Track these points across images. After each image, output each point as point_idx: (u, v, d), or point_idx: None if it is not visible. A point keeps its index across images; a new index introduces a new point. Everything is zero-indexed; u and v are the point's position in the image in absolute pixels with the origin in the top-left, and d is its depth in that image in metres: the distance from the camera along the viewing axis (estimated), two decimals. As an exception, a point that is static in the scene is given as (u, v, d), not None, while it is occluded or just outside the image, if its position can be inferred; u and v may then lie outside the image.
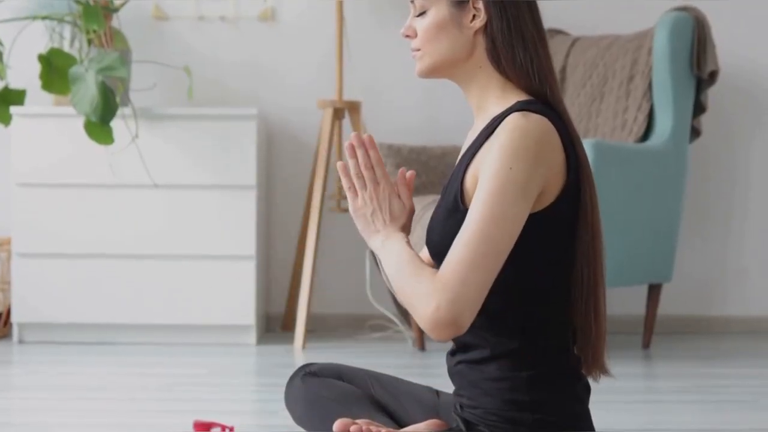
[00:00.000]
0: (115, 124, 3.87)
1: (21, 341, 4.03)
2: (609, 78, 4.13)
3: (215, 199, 4.00)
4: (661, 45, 3.98)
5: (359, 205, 1.89)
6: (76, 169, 3.99)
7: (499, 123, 1.80)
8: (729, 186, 4.47)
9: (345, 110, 4.20)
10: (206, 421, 2.53)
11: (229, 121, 4.01)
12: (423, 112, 4.46)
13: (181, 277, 3.99)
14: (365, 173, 1.89)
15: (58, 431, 2.64)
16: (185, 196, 4.00)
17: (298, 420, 2.11)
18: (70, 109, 3.94)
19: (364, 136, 1.90)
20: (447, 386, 2.11)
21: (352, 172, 1.90)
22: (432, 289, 1.73)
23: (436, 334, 1.73)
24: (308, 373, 2.11)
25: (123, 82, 3.93)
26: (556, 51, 4.23)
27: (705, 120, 4.24)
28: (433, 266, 1.82)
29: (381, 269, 1.92)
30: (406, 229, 1.88)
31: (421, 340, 3.93)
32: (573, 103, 4.15)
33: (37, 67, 4.00)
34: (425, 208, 3.59)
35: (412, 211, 1.90)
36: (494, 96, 1.88)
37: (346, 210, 4.25)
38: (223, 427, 2.51)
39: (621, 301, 4.25)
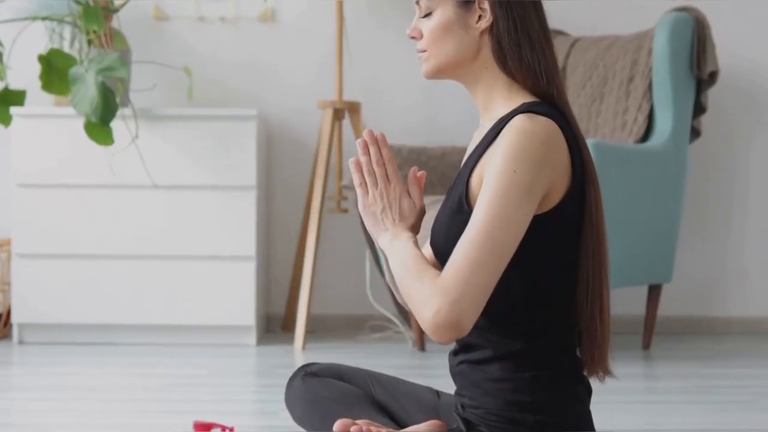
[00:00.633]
0: (115, 124, 3.87)
1: (21, 342, 4.03)
2: (609, 79, 4.13)
3: (215, 199, 4.00)
4: (661, 45, 3.98)
5: (369, 202, 1.89)
6: (76, 169, 3.99)
7: (505, 124, 1.80)
8: (729, 186, 4.47)
9: (345, 111, 4.20)
10: (206, 421, 2.53)
11: (229, 121, 4.01)
12: (423, 112, 4.46)
13: (181, 277, 3.99)
14: (377, 170, 1.89)
15: (58, 432, 2.65)
16: (185, 197, 4.00)
17: (299, 420, 2.11)
18: (70, 110, 3.94)
19: (377, 133, 1.89)
20: (447, 387, 2.11)
21: (364, 168, 1.89)
22: (434, 292, 1.73)
23: (437, 337, 1.73)
24: (308, 373, 2.11)
25: (123, 82, 3.93)
26: (556, 52, 4.23)
27: (705, 120, 4.24)
28: (437, 267, 1.82)
29: (385, 267, 1.92)
30: (414, 228, 1.88)
31: (421, 341, 3.93)
32: (573, 103, 4.15)
33: (37, 68, 4.00)
34: (426, 208, 3.58)
35: (422, 211, 1.89)
36: (500, 97, 1.88)
37: (346, 210, 4.25)
38: (223, 428, 2.51)
39: (621, 301, 4.25)
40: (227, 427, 2.51)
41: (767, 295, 4.47)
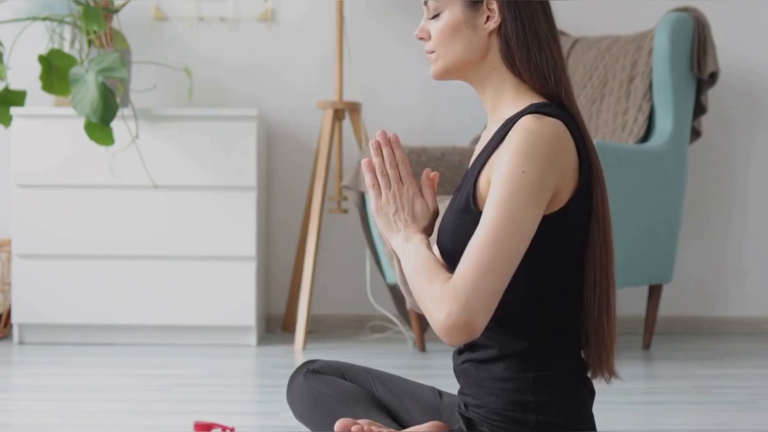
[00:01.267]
0: (116, 124, 3.87)
1: (21, 342, 4.03)
2: (609, 79, 4.13)
3: (215, 200, 4.00)
4: (661, 46, 3.98)
5: (382, 203, 1.88)
6: (76, 170, 3.99)
7: (513, 125, 1.80)
8: (729, 186, 4.47)
9: (345, 111, 4.21)
10: (207, 422, 2.53)
11: (230, 122, 4.01)
12: (423, 113, 4.46)
13: (182, 278, 3.99)
14: (390, 172, 1.88)
15: (59, 432, 2.65)
16: (185, 197, 4.00)
17: (300, 417, 2.11)
18: (71, 110, 3.94)
19: (390, 134, 1.89)
20: (447, 387, 2.11)
21: (377, 170, 1.88)
22: (445, 294, 1.72)
23: (449, 339, 1.73)
24: (311, 370, 2.10)
25: (123, 82, 3.93)
26: (557, 52, 4.23)
27: (705, 120, 4.24)
28: (447, 268, 1.82)
29: (397, 269, 1.92)
30: (427, 230, 1.87)
31: (422, 341, 3.93)
32: (573, 103, 4.15)
33: (37, 68, 4.00)
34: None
35: (435, 213, 1.89)
36: (509, 97, 1.88)
37: (346, 211, 4.25)
38: (224, 428, 2.51)
39: (621, 301, 4.22)
40: (227, 428, 2.51)
41: (767, 295, 4.47)
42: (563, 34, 4.33)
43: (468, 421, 1.87)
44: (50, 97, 4.25)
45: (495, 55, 1.87)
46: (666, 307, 4.29)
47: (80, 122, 3.88)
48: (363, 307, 4.35)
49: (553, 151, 1.77)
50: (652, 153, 3.90)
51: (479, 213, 1.79)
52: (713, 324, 4.45)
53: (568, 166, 1.79)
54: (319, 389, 2.05)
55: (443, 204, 1.99)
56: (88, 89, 3.75)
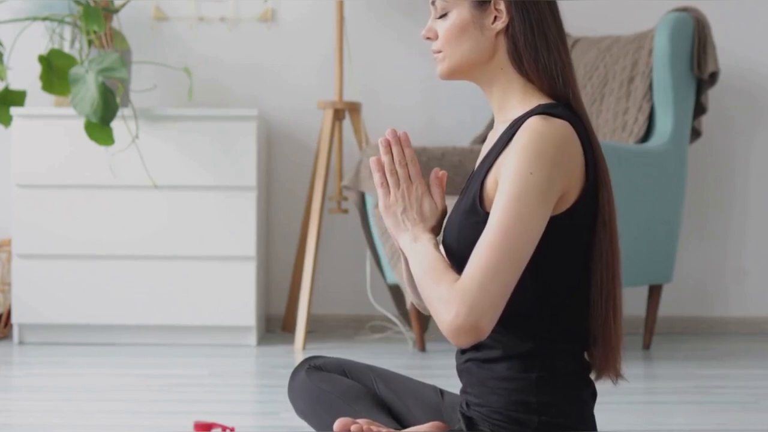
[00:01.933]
0: (116, 125, 3.87)
1: (21, 342, 4.03)
2: (609, 79, 4.13)
3: (215, 200, 4.00)
4: (661, 46, 3.98)
5: (390, 202, 1.88)
6: (76, 170, 3.99)
7: (520, 126, 1.79)
8: (729, 186, 4.47)
9: (345, 111, 4.21)
10: (207, 422, 2.53)
11: (230, 122, 4.01)
12: (423, 113, 4.46)
13: (182, 278, 3.99)
14: (399, 171, 1.88)
15: (59, 432, 2.65)
16: (185, 197, 4.00)
17: (301, 413, 2.10)
18: (71, 110, 3.94)
19: (400, 133, 1.89)
20: (448, 387, 2.11)
21: (386, 168, 1.88)
22: (452, 296, 1.72)
23: (456, 341, 1.73)
24: (312, 366, 2.10)
25: (123, 83, 3.93)
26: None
27: (705, 120, 4.24)
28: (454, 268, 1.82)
29: (404, 268, 1.92)
30: (436, 230, 1.87)
31: (422, 341, 3.93)
32: (573, 103, 4.15)
33: (37, 68, 4.00)
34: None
35: (444, 212, 1.89)
36: (516, 98, 1.87)
37: (346, 211, 4.25)
38: (224, 428, 2.51)
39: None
40: (228, 428, 2.51)
41: (767, 296, 4.47)
42: (563, 34, 4.33)
43: (469, 420, 1.86)
44: (50, 97, 4.25)
45: (502, 56, 1.87)
46: (666, 307, 4.29)
47: (80, 122, 3.88)
48: (363, 307, 4.35)
49: (561, 152, 1.77)
50: (652, 153, 3.90)
51: (485, 214, 1.78)
52: (713, 324, 4.45)
53: (575, 168, 1.79)
54: (320, 386, 2.05)
55: (450, 204, 1.99)
56: (88, 89, 3.75)
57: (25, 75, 4.18)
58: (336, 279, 4.45)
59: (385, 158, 1.88)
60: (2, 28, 4.14)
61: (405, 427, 2.02)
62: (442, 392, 2.07)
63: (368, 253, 4.12)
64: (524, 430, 1.81)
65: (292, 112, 4.45)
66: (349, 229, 4.39)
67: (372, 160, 1.88)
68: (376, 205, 3.91)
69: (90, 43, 4.00)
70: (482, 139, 4.28)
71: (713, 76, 4.03)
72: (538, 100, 1.85)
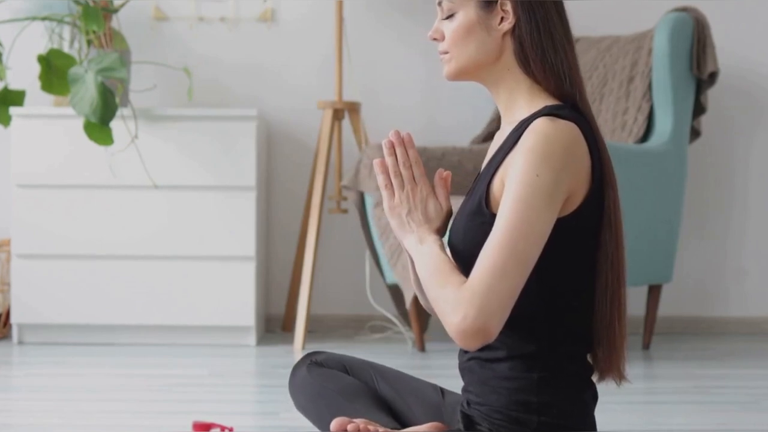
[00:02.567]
0: (115, 124, 3.87)
1: (20, 342, 4.03)
2: (609, 79, 4.13)
3: (215, 200, 4.00)
4: (660, 46, 3.98)
5: (395, 203, 1.88)
6: (75, 170, 3.99)
7: (527, 127, 1.79)
8: (729, 186, 4.47)
9: (345, 111, 4.20)
10: (205, 421, 2.53)
11: (229, 122, 4.01)
12: (422, 113, 4.46)
13: (181, 278, 3.99)
14: (404, 172, 1.88)
15: (58, 432, 2.65)
16: (185, 197, 4.00)
17: (300, 408, 2.10)
18: (70, 110, 3.94)
19: (403, 134, 1.89)
20: (447, 387, 2.10)
21: (391, 170, 1.88)
22: (460, 298, 1.72)
23: (464, 344, 1.72)
24: (314, 362, 2.10)
25: (122, 82, 3.93)
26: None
27: (705, 120, 4.24)
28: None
29: (411, 270, 1.92)
30: (441, 231, 1.87)
31: (421, 341, 3.93)
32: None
33: (36, 68, 4.00)
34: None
35: (449, 213, 1.89)
36: (522, 99, 1.87)
37: (346, 211, 4.25)
38: (222, 428, 2.51)
39: (621, 301, 4.25)
40: (226, 428, 2.51)
41: (766, 295, 4.47)
42: (563, 34, 4.33)
43: (467, 419, 1.86)
44: (49, 97, 4.25)
45: (509, 57, 1.87)
46: (666, 307, 4.29)
47: (80, 122, 3.88)
48: (362, 307, 4.35)
49: (567, 154, 1.76)
50: (652, 153, 3.90)
51: (491, 215, 1.78)
52: (713, 324, 4.45)
53: (582, 169, 1.79)
54: (321, 382, 2.05)
55: (454, 204, 1.98)
56: (88, 89, 3.75)
57: (24, 75, 4.18)
58: (335, 279, 4.45)
59: (389, 160, 1.88)
60: (1, 28, 4.14)
61: (404, 425, 2.02)
62: (443, 391, 2.07)
63: (368, 253, 4.12)
64: (524, 429, 1.81)
65: (291, 112, 4.45)
66: (349, 228, 4.39)
67: (376, 162, 1.88)
68: (376, 205, 3.91)
69: (89, 42, 4.00)
70: (482, 139, 4.28)
71: (713, 76, 4.03)
72: (544, 100, 1.85)
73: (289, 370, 2.15)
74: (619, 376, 1.89)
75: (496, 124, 4.24)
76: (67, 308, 4.00)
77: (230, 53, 4.45)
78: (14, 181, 4.00)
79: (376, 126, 4.36)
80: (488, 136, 4.27)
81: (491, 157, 1.88)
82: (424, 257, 1.82)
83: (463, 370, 1.90)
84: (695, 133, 4.11)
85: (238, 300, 4.00)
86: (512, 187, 1.75)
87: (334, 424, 1.88)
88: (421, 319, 3.95)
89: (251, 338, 4.04)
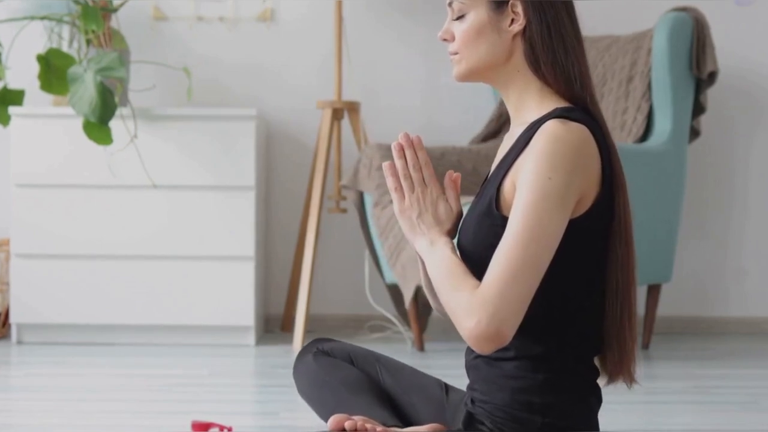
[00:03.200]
0: (114, 124, 3.87)
1: (20, 342, 4.03)
2: (608, 79, 4.13)
3: (214, 199, 3.99)
4: (660, 46, 3.98)
5: (405, 206, 1.87)
6: (74, 169, 3.99)
7: (537, 129, 1.78)
8: (728, 186, 4.47)
9: (344, 111, 4.20)
10: (204, 421, 2.53)
11: (229, 121, 4.01)
12: (422, 113, 4.46)
13: (180, 277, 3.99)
14: (414, 175, 1.88)
15: (58, 432, 2.65)
16: (184, 197, 4.00)
17: (303, 394, 2.10)
18: (69, 110, 3.94)
19: (413, 137, 1.88)
20: (447, 386, 2.10)
21: (400, 173, 1.87)
22: (473, 304, 1.72)
23: (478, 348, 1.72)
24: (321, 350, 2.10)
25: (122, 82, 3.93)
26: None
27: (704, 120, 4.24)
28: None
29: (422, 272, 1.91)
30: (451, 233, 1.87)
31: (420, 341, 3.92)
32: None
33: (35, 68, 3.99)
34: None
35: (459, 215, 1.88)
36: (532, 101, 1.86)
37: (345, 210, 4.25)
38: (222, 428, 2.51)
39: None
40: (225, 427, 2.51)
41: (766, 295, 4.47)
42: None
43: (469, 416, 1.86)
44: (49, 97, 4.25)
45: (519, 58, 1.86)
46: (665, 307, 4.29)
47: (79, 122, 3.88)
48: (362, 307, 4.35)
49: (579, 156, 1.76)
50: (651, 153, 3.90)
51: (502, 217, 1.78)
52: (713, 324, 4.45)
53: (592, 171, 1.78)
54: (325, 372, 2.05)
55: (464, 206, 1.98)
56: (87, 89, 3.75)
57: (23, 74, 4.17)
58: (335, 278, 4.45)
59: (398, 162, 1.88)
60: (1, 28, 4.14)
61: (406, 421, 2.01)
62: (447, 388, 2.06)
63: (367, 253, 4.12)
64: (526, 430, 1.81)
65: (291, 112, 4.45)
66: (348, 228, 4.39)
67: (385, 165, 1.88)
68: (375, 205, 3.91)
69: (88, 42, 4.00)
70: (481, 139, 4.28)
71: (712, 76, 4.03)
72: (555, 102, 1.84)
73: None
74: (630, 378, 1.88)
75: (495, 124, 4.24)
76: (66, 308, 3.99)
77: (230, 53, 4.45)
78: (13, 181, 4.00)
79: (375, 126, 4.36)
80: (488, 136, 4.27)
81: (501, 159, 1.87)
82: (435, 260, 1.81)
83: (470, 368, 1.90)
84: (695, 133, 4.11)
85: (238, 300, 4.00)
86: (523, 191, 1.74)
87: (332, 421, 1.87)
88: (421, 319, 3.95)
89: (250, 338, 4.04)
